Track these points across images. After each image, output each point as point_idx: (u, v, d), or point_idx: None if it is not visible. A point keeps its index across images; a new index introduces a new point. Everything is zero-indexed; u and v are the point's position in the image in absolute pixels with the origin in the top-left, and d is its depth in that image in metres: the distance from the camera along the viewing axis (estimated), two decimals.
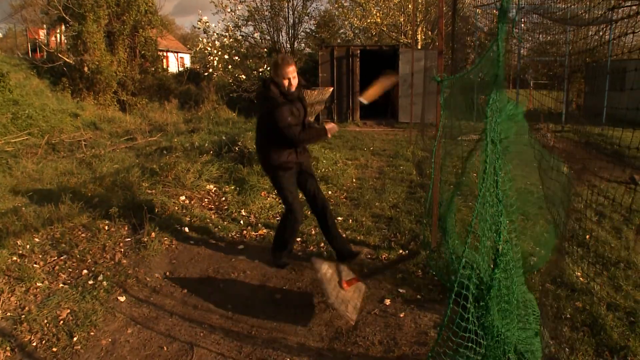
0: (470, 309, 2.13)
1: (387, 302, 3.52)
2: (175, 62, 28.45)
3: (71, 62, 15.45)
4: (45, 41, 18.02)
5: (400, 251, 4.42)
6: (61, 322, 3.31)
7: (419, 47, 15.27)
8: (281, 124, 3.63)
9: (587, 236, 4.75)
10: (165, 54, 23.83)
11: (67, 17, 14.97)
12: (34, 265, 4.18)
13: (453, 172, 3.96)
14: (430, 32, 15.93)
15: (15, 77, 13.88)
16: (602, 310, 3.27)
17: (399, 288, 3.72)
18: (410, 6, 15.47)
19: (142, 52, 17.24)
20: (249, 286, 3.88)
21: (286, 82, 3.71)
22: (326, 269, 3.39)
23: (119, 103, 16.10)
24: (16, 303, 3.57)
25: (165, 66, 21.50)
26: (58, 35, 17.55)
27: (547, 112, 13.06)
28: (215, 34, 15.71)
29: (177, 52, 30.01)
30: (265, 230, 5.03)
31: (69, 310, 3.44)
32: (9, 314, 3.41)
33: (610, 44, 11.15)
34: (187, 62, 29.49)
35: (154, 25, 17.58)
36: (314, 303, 3.57)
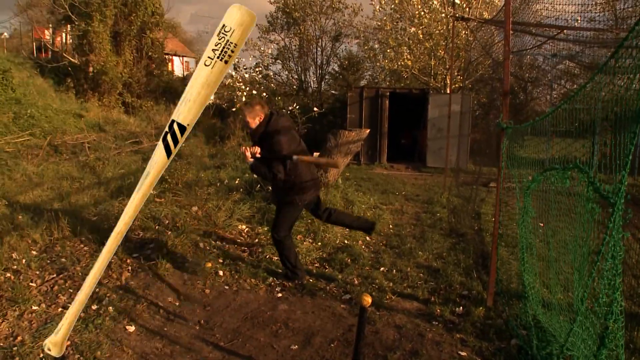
0: None
1: None
2: (180, 66, 28.11)
3: (76, 62, 15.19)
4: (51, 41, 17.47)
5: (454, 308, 3.79)
6: None
7: (448, 92, 15.00)
8: None
9: None
10: (170, 57, 23.38)
11: (73, 16, 14.76)
12: (30, 284, 3.70)
13: (529, 228, 3.39)
14: (461, 77, 15.68)
15: (19, 76, 13.32)
16: None
17: (460, 351, 3.11)
18: (441, 51, 15.32)
19: (149, 54, 16.86)
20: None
21: None
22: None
23: (124, 105, 15.73)
24: (8, 331, 3.05)
25: (170, 69, 21.16)
26: (64, 35, 17.14)
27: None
28: (244, 68, 15.64)
29: (182, 56, 29.65)
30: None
31: (69, 343, 2.88)
32: None
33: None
34: (192, 66, 28.94)
35: (161, 28, 17.32)
36: None
